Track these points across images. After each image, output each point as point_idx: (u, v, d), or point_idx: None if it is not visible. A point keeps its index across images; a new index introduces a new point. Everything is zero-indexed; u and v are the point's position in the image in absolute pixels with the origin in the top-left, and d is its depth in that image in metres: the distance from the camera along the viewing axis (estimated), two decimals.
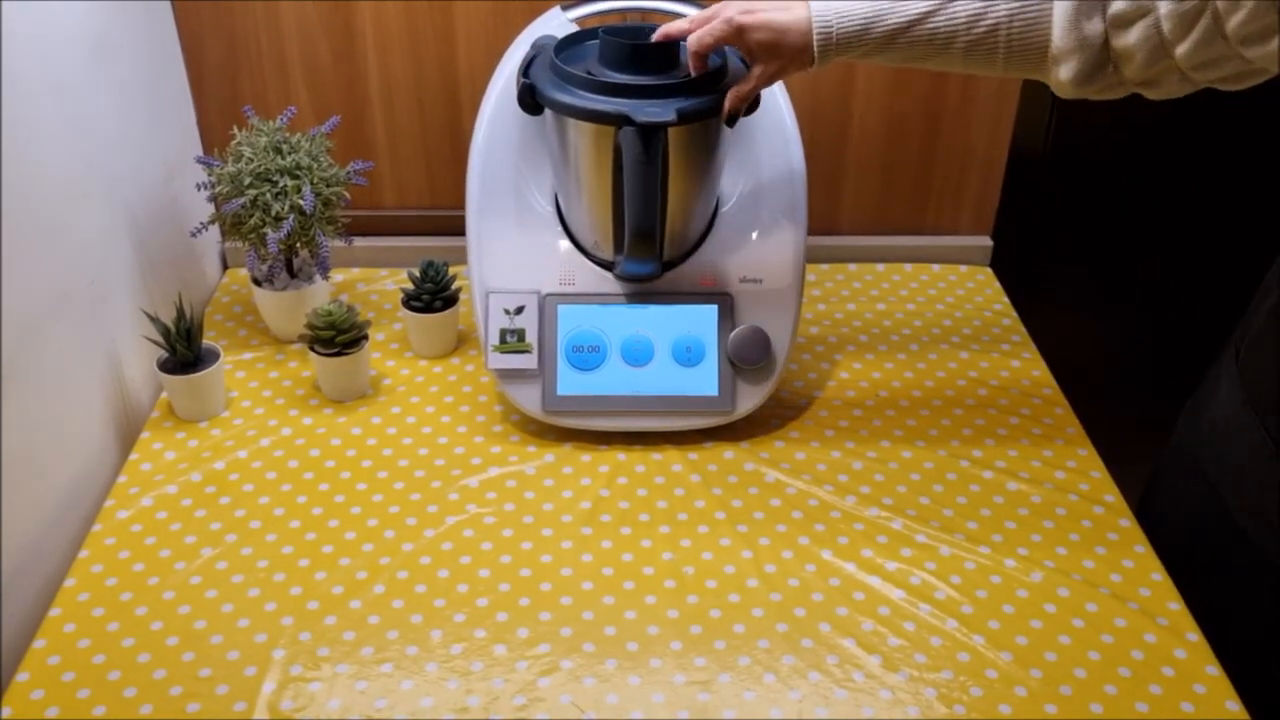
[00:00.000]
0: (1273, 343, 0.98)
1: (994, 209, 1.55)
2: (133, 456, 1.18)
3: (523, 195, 1.22)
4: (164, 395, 1.25)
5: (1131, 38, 0.87)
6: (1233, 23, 0.80)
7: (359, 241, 1.36)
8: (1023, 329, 1.42)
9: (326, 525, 1.10)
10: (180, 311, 1.20)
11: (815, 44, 0.98)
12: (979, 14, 0.93)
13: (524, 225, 1.22)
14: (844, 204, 1.53)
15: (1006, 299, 1.48)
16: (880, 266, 1.54)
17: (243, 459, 1.18)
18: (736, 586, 1.04)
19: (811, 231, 1.24)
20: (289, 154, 1.25)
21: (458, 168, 1.27)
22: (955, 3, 0.93)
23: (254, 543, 1.08)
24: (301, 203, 1.23)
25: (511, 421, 1.24)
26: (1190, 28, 0.83)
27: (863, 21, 0.96)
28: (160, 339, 1.20)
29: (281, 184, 1.23)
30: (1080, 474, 1.17)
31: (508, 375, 1.20)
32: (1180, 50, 0.85)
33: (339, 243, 1.32)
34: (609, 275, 1.21)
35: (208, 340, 1.25)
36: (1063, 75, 0.92)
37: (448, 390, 1.29)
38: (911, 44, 0.96)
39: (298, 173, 1.24)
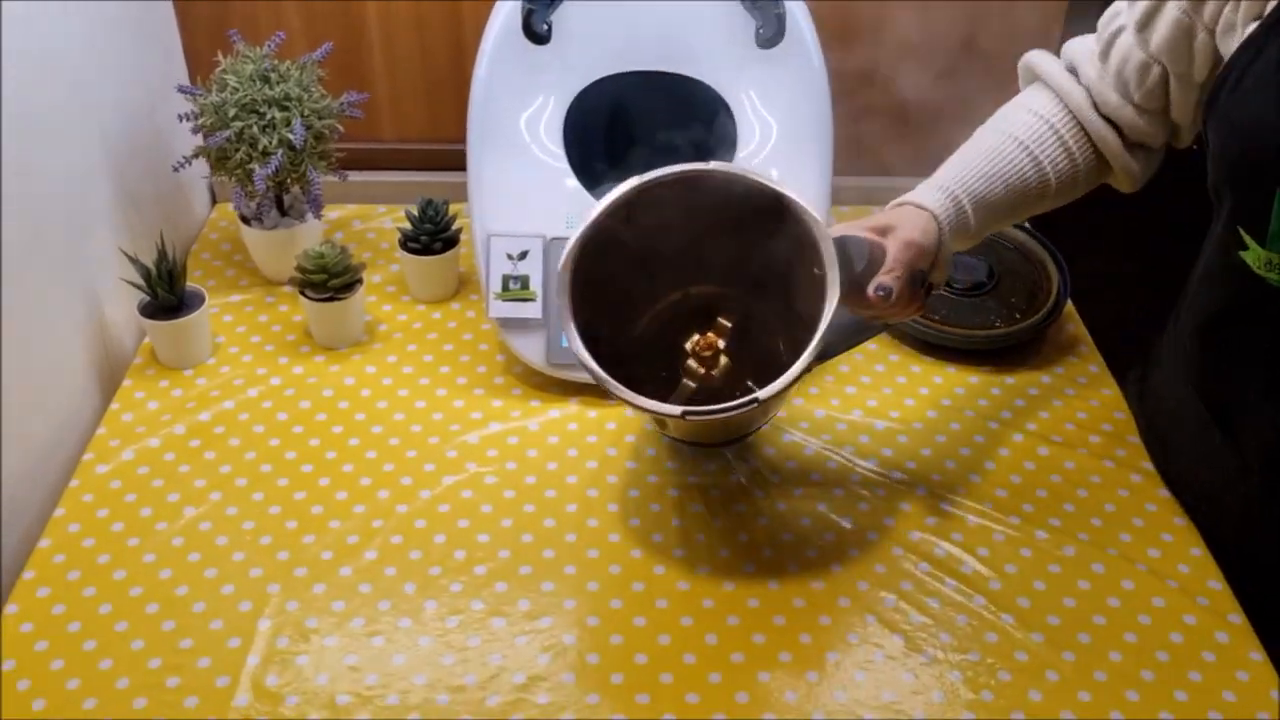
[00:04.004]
0: None
1: None
2: (113, 406, 1.11)
3: (528, 130, 1.15)
4: (147, 340, 1.18)
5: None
6: None
7: (355, 176, 1.28)
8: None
9: (316, 484, 1.04)
10: (161, 252, 1.13)
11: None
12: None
13: (528, 163, 1.15)
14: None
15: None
16: None
17: (229, 410, 1.12)
18: (751, 556, 0.98)
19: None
20: (277, 84, 1.17)
21: (460, 98, 1.19)
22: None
23: (239, 502, 1.02)
24: (291, 137, 1.15)
25: (514, 373, 1.17)
26: None
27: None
28: (141, 281, 1.13)
29: (269, 116, 1.15)
30: (1117, 438, 1.11)
31: (510, 324, 1.14)
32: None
33: (332, 178, 1.24)
34: None
35: (194, 281, 1.18)
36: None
37: (447, 338, 1.22)
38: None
39: (286, 104, 1.16)
